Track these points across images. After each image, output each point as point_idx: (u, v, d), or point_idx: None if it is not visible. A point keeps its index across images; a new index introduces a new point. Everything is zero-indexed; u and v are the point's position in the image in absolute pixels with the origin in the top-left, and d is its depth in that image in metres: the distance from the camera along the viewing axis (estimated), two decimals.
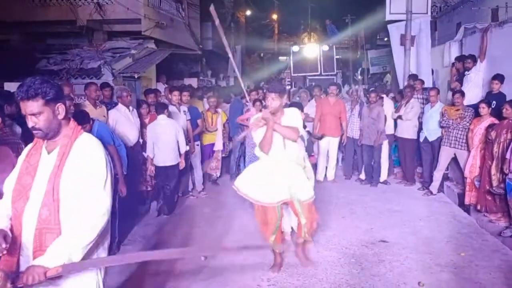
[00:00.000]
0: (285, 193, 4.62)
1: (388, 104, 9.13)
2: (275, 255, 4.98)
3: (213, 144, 8.84)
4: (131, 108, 6.94)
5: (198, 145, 8.29)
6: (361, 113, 8.99)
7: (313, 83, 15.54)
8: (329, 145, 9.20)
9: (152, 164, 6.94)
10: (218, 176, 9.04)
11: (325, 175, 9.36)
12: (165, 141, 6.82)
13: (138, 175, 7.00)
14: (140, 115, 7.34)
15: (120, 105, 6.82)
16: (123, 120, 6.71)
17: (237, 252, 5.16)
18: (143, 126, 7.29)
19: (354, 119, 9.12)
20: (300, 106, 5.69)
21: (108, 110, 6.83)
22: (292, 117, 4.63)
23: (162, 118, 6.88)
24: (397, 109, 8.93)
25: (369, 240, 5.88)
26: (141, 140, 7.12)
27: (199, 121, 8.31)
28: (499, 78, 7.38)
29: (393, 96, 10.06)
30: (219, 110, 8.91)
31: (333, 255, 5.40)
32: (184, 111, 7.96)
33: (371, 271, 4.97)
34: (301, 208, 4.67)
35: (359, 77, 16.65)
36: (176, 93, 7.97)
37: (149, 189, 7.50)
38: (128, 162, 6.12)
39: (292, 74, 16.52)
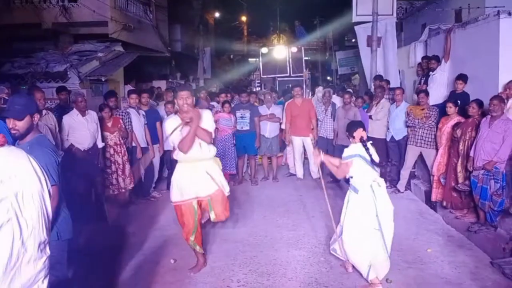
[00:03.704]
0: (197, 190, 4.69)
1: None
2: (197, 255, 4.99)
3: None
4: (87, 112, 6.93)
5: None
6: (334, 114, 9.12)
7: (289, 85, 15.70)
8: (305, 145, 9.35)
9: None
10: None
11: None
12: None
13: (98, 178, 7.09)
14: (102, 119, 7.33)
15: (74, 110, 6.86)
16: (75, 126, 6.76)
17: None
18: (104, 129, 7.29)
19: (327, 120, 9.22)
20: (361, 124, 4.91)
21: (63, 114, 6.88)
22: (206, 119, 4.65)
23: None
24: (368, 109, 9.07)
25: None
26: (101, 144, 7.11)
27: (158, 124, 8.25)
28: (463, 78, 7.54)
29: (360, 96, 10.17)
30: None
31: (303, 254, 5.44)
32: (143, 115, 7.93)
33: (340, 269, 5.02)
34: (212, 204, 4.74)
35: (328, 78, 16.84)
36: (133, 96, 7.95)
37: (116, 192, 7.45)
38: (83, 166, 6.60)
39: (262, 76, 16.55)
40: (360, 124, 4.86)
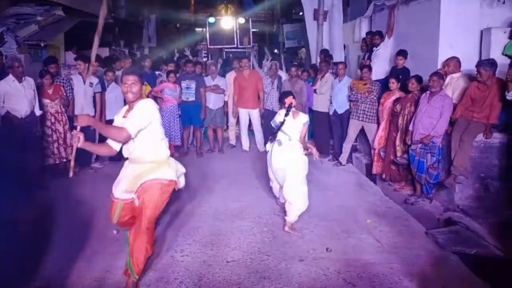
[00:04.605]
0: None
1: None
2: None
3: None
4: (24, 78, 6.70)
5: None
6: (280, 87, 9.15)
7: (230, 55, 15.56)
8: (251, 117, 9.39)
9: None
10: None
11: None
12: None
13: (35, 147, 6.92)
14: (42, 85, 7.10)
15: (10, 76, 6.59)
16: (11, 92, 6.54)
17: None
18: (44, 96, 7.09)
19: (273, 92, 9.23)
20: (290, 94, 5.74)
21: None
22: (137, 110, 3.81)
23: None
24: (313, 83, 9.17)
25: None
26: (39, 112, 6.89)
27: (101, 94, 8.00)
28: (403, 53, 7.73)
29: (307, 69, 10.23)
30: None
31: (247, 225, 5.51)
32: (91, 84, 7.65)
33: (283, 239, 5.13)
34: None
35: (275, 51, 16.82)
36: (80, 62, 7.68)
37: (57, 162, 7.25)
38: (20, 134, 6.51)
39: (209, 46, 16.33)
40: (291, 93, 5.76)
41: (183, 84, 8.76)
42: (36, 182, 6.71)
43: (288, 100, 5.50)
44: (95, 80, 7.75)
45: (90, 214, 5.75)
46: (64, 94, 7.30)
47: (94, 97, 7.81)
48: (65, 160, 7.33)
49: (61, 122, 7.22)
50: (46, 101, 7.09)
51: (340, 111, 8.42)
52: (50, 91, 7.13)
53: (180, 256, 4.66)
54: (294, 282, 4.18)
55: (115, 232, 5.17)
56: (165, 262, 4.53)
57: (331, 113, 8.60)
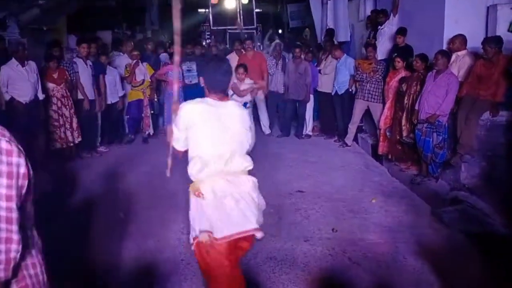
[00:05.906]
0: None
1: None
2: None
3: (139, 100, 8.53)
4: (27, 62, 6.68)
5: None
6: (284, 68, 9.08)
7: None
8: (255, 99, 9.28)
9: None
10: (150, 133, 8.75)
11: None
12: None
13: (40, 132, 6.92)
14: (47, 69, 7.10)
15: (12, 60, 6.57)
16: (15, 76, 6.53)
17: None
18: (49, 81, 7.09)
19: (278, 73, 9.18)
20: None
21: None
22: None
23: None
24: (317, 64, 9.10)
25: (287, 190, 6.07)
26: (42, 96, 6.89)
27: (101, 77, 8.00)
28: (402, 32, 7.63)
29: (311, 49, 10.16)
30: (145, 64, 8.55)
31: None
32: (91, 66, 7.67)
33: (289, 219, 5.15)
34: None
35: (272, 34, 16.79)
36: (84, 45, 7.66)
37: (64, 146, 7.27)
38: (24, 120, 6.42)
39: (212, 27, 16.23)
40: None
41: (184, 66, 8.70)
42: (43, 166, 6.72)
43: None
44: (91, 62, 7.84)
45: (96, 197, 5.79)
46: (69, 77, 7.28)
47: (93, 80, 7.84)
48: (71, 144, 7.35)
49: (67, 107, 7.22)
50: (52, 85, 7.08)
51: (341, 91, 8.42)
52: (55, 75, 7.11)
53: (187, 239, 4.67)
54: (300, 262, 4.20)
55: (122, 215, 5.20)
56: (173, 243, 4.56)
57: (333, 93, 8.56)
